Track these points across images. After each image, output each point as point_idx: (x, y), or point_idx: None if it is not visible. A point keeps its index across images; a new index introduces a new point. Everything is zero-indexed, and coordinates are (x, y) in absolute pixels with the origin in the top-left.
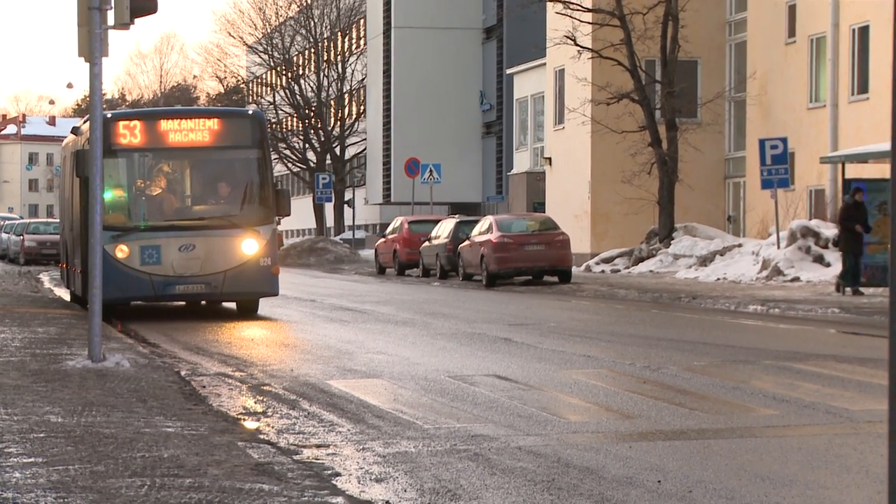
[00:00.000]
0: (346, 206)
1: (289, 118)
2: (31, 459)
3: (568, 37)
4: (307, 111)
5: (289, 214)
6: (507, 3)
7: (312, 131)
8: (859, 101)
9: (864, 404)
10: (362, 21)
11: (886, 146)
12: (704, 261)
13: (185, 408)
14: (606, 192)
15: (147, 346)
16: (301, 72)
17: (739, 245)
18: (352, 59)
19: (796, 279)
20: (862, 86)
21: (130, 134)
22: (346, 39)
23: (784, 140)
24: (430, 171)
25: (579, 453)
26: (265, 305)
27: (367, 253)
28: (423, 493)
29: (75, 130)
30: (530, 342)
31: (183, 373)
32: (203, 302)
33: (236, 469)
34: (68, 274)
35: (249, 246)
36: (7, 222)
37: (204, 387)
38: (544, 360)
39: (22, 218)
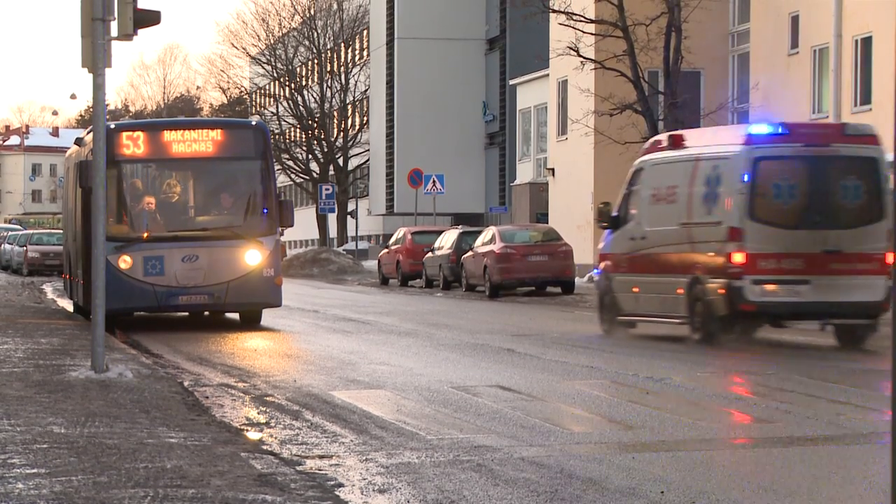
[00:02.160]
0: (349, 216)
1: (292, 129)
2: (35, 470)
3: (571, 48)
4: (310, 122)
5: (292, 225)
6: (510, 14)
7: (315, 142)
8: (862, 112)
9: (868, 415)
10: (365, 32)
11: (889, 157)
12: None
13: (188, 418)
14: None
15: (150, 356)
16: (304, 83)
17: None
18: (355, 70)
19: None
20: (865, 97)
21: (134, 145)
22: (350, 50)
23: None
24: (433, 181)
25: (582, 464)
26: (268, 316)
27: (371, 264)
28: (426, 503)
29: (79, 141)
30: (533, 353)
31: (186, 383)
32: (206, 312)
33: (239, 480)
34: (71, 285)
35: (252, 257)
36: (10, 233)
37: (207, 397)
38: (547, 370)
39: (25, 228)
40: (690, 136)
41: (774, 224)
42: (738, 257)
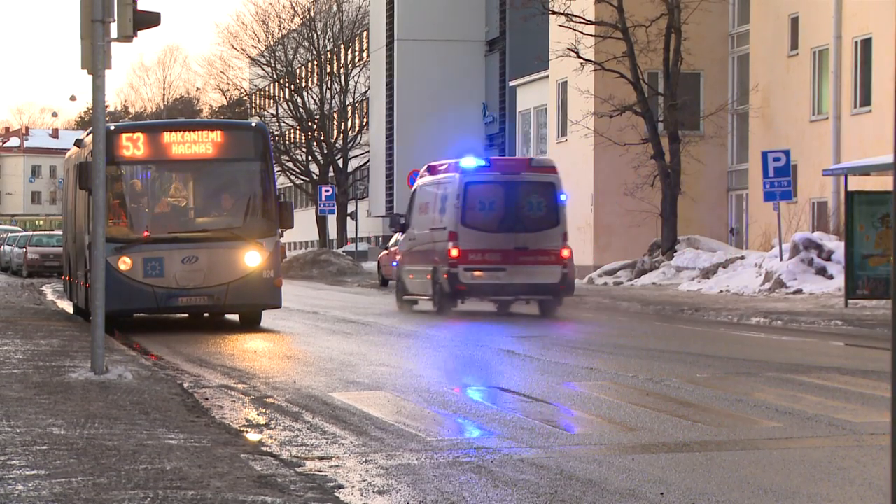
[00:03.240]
0: (348, 218)
1: (292, 130)
2: (34, 472)
3: (571, 49)
4: (310, 123)
5: (292, 226)
6: (509, 15)
7: (315, 143)
8: (862, 114)
9: (868, 416)
10: (365, 33)
11: (889, 158)
12: (707, 273)
13: (188, 420)
14: (609, 205)
15: (149, 358)
16: (304, 84)
17: (742, 257)
18: (355, 72)
19: (799, 291)
20: (864, 98)
21: (133, 146)
22: (349, 52)
23: (786, 152)
24: None
25: (582, 465)
26: (268, 317)
27: (370, 265)
28: None
29: (78, 143)
30: (533, 354)
31: (186, 385)
32: (206, 314)
33: (239, 481)
34: (71, 286)
35: (252, 258)
36: (10, 234)
37: (207, 399)
38: (547, 372)
39: (24, 230)
40: (440, 166)
41: (479, 229)
42: (455, 252)
